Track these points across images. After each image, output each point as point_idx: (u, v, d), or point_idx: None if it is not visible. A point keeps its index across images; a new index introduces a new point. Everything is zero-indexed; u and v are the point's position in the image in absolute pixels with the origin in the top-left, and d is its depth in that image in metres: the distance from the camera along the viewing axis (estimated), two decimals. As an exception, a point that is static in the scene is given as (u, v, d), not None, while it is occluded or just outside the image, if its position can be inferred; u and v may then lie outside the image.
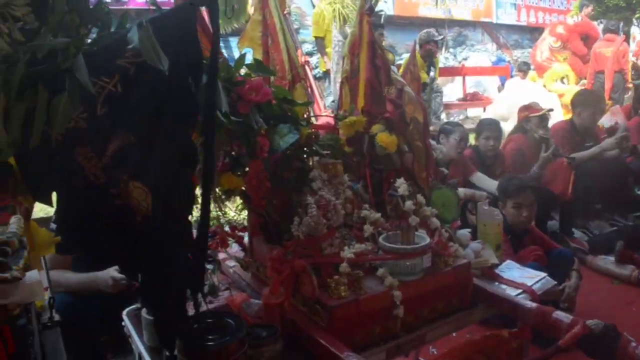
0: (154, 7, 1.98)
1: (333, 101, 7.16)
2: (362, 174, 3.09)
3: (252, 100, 2.42)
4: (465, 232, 3.11)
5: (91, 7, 1.96)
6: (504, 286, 2.93)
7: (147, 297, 1.98)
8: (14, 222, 1.05)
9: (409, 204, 2.64)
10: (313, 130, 2.86)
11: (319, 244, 2.50)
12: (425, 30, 7.77)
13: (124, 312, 2.68)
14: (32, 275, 0.96)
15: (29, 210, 1.85)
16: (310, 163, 2.89)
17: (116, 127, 1.84)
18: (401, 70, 4.13)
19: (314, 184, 2.68)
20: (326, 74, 8.30)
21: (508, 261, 3.28)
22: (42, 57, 1.69)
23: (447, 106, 9.77)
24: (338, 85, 6.93)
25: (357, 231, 2.72)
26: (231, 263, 3.08)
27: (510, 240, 4.25)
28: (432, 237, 2.64)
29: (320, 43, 7.98)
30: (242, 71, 2.53)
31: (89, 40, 1.98)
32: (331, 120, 3.69)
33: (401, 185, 2.71)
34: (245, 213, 3.56)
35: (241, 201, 2.75)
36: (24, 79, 1.60)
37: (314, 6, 9.98)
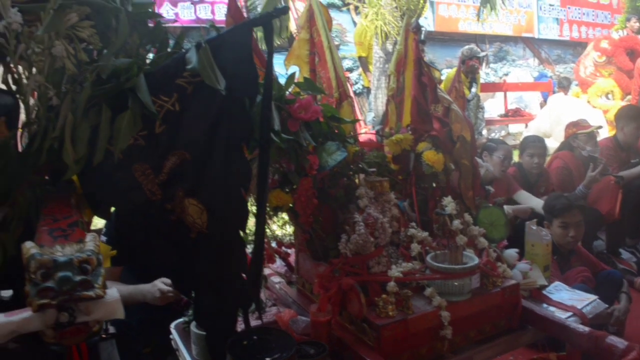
0: (210, 27, 2.03)
1: (374, 117, 7.16)
2: (408, 191, 3.07)
3: (301, 118, 2.45)
4: (512, 252, 3.06)
5: (150, 27, 2.02)
6: (552, 308, 2.86)
7: (200, 312, 2.01)
8: (91, 240, 1.08)
9: (456, 223, 2.61)
10: (359, 147, 2.87)
11: (367, 262, 2.50)
12: (467, 47, 7.73)
13: (172, 325, 2.72)
14: (112, 293, 1.00)
15: (88, 225, 1.91)
16: (357, 180, 2.89)
17: (173, 145, 1.89)
18: (442, 86, 4.12)
19: (361, 202, 2.67)
20: (367, 89, 8.33)
21: (556, 282, 3.21)
22: (106, 77, 1.74)
23: (489, 122, 9.66)
24: (379, 101, 6.97)
25: (404, 250, 2.71)
26: (276, 279, 3.10)
27: (557, 260, 4.15)
28: (480, 257, 2.61)
29: (363, 61, 8.03)
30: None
31: (148, 60, 2.04)
32: (373, 137, 3.69)
33: (449, 204, 2.69)
34: (286, 229, 3.58)
35: (286, 217, 2.77)
36: (89, 99, 1.66)
37: (354, 24, 10.05)
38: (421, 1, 6.58)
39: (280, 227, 2.98)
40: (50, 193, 1.86)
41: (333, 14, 9.42)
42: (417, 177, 3.08)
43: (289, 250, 3.07)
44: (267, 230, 2.91)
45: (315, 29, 3.28)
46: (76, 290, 0.94)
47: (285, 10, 2.03)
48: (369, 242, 2.45)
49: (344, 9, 9.97)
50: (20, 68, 1.78)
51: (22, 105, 1.90)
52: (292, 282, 3.07)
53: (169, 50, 2.12)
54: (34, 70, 1.80)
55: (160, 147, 1.87)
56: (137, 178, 1.89)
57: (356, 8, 9.67)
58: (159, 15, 2.05)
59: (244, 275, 1.99)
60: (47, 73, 1.75)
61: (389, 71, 3.27)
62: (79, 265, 1.00)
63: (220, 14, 8.77)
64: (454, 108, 3.11)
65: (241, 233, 2.00)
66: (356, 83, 9.65)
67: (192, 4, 8.53)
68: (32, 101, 1.80)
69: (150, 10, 2.04)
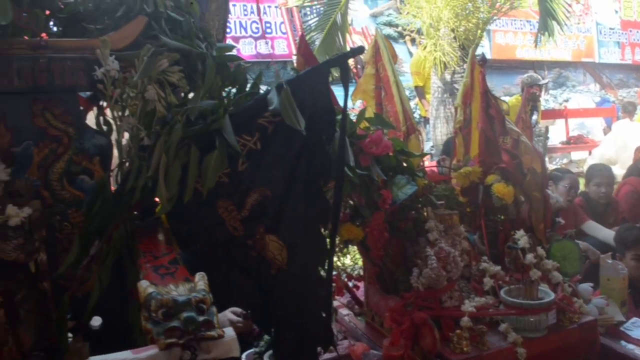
0: (292, 70, 2.10)
1: (432, 147, 7.14)
2: (477, 224, 3.05)
3: (373, 153, 2.48)
4: (587, 287, 2.98)
5: (231, 70, 2.11)
6: (632, 346, 2.76)
7: (281, 349, 2.04)
8: (201, 279, 1.14)
9: (529, 257, 2.58)
10: (428, 180, 2.88)
11: (439, 296, 2.49)
12: (527, 74, 7.66)
13: (243, 356, 2.76)
14: (229, 332, 1.05)
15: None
16: (425, 213, 2.89)
17: (255, 182, 1.96)
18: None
19: (431, 235, 2.67)
20: (424, 119, 8.34)
21: (634, 319, 3.09)
22: (194, 119, 1.83)
23: (550, 150, 9.47)
24: (437, 131, 6.95)
25: (475, 284, 2.68)
26: (344, 311, 3.11)
27: (631, 294, 4.00)
28: (555, 292, 2.55)
29: (420, 91, 8.06)
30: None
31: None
32: (434, 168, 3.69)
33: (521, 237, 2.66)
34: (348, 261, 3.59)
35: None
36: (180, 140, 1.75)
37: (410, 54, 10.11)
38: (479, 31, 6.58)
39: (351, 260, 3.01)
40: (140, 228, 1.96)
41: (389, 44, 9.55)
42: (487, 210, 3.06)
43: (358, 283, 3.08)
44: (337, 263, 2.93)
45: (381, 63, 3.33)
46: (200, 330, 1.00)
47: (362, 49, 2.09)
48: (441, 276, 2.44)
49: (401, 40, 10.05)
50: (112, 111, 1.89)
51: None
52: (360, 315, 3.07)
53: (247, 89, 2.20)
54: (126, 112, 1.91)
55: (243, 184, 1.94)
56: (221, 214, 1.96)
57: (412, 39, 9.74)
58: (240, 59, 2.15)
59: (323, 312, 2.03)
60: (139, 115, 1.85)
61: (455, 103, 3.28)
62: (196, 305, 1.06)
63: (279, 49, 9.03)
64: (523, 140, 3.09)
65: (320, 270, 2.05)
66: (413, 112, 9.67)
67: (253, 39, 8.80)
68: (124, 142, 1.91)
69: (231, 53, 2.14)
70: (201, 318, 1.01)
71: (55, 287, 1.84)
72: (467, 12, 6.23)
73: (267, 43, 8.87)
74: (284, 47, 8.85)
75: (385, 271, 2.80)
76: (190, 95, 2.06)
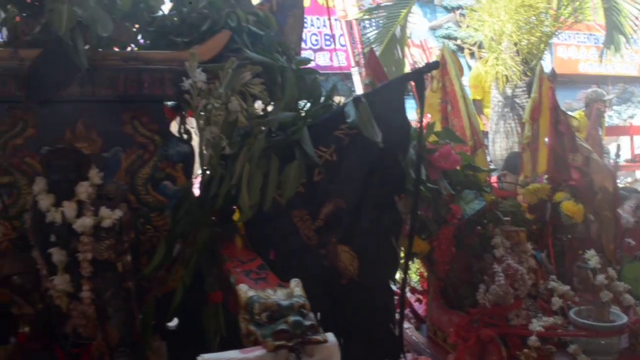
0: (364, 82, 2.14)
1: (490, 162, 7.03)
2: (545, 242, 3.00)
3: (441, 167, 2.49)
4: (659, 311, 2.88)
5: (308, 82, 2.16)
6: None
7: (348, 357, 2.06)
8: (297, 285, 1.19)
9: (600, 278, 2.52)
10: (495, 196, 2.86)
11: (506, 313, 2.46)
12: (592, 89, 7.46)
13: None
14: (331, 337, 1.08)
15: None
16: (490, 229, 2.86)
17: (330, 193, 2.00)
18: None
19: (497, 251, 2.65)
20: (482, 133, 8.22)
21: None
22: (274, 130, 1.90)
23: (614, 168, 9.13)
24: (497, 145, 6.84)
25: (543, 303, 2.64)
26: (405, 324, 3.10)
27: None
28: (627, 315, 2.48)
29: (478, 104, 7.96)
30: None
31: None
32: (494, 183, 3.63)
33: (592, 258, 2.60)
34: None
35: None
36: (262, 150, 1.81)
37: (469, 67, 10.01)
38: (542, 45, 6.47)
39: (415, 274, 3.01)
40: (219, 234, 2.02)
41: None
42: (554, 228, 3.01)
43: (421, 297, 3.08)
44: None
45: (448, 77, 3.33)
46: (307, 334, 1.04)
47: (437, 65, 2.11)
48: (509, 293, 2.42)
49: (460, 53, 9.96)
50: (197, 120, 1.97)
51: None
52: (419, 328, 3.06)
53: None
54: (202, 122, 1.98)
55: (318, 194, 1.98)
56: (296, 223, 2.01)
57: (472, 53, 9.65)
58: (317, 72, 2.20)
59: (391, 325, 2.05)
60: (222, 125, 1.92)
61: (523, 119, 3.24)
62: (297, 310, 1.11)
63: (337, 61, 9.12)
64: (595, 157, 3.02)
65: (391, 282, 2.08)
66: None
67: (312, 51, 8.92)
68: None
69: (308, 67, 2.19)
70: (307, 322, 1.05)
71: (137, 287, 1.92)
72: (531, 25, 6.13)
73: (325, 55, 8.98)
74: (342, 59, 8.93)
75: (450, 286, 2.79)
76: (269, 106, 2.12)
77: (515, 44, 6.14)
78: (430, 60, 8.88)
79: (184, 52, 2.02)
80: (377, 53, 7.14)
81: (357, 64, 7.46)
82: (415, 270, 3.14)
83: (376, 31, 7.37)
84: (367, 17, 7.52)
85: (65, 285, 1.71)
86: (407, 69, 7.35)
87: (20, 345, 1.77)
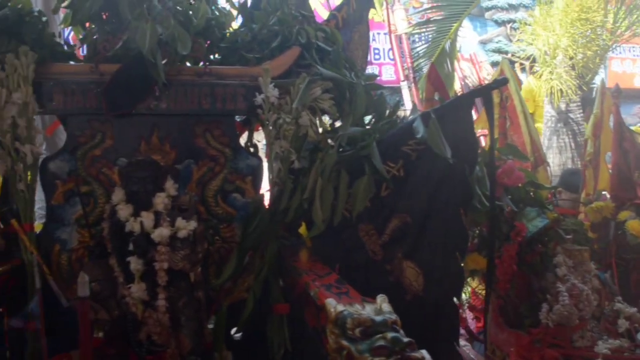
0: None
1: (543, 177, 6.88)
2: (608, 262, 2.92)
3: (504, 183, 2.46)
4: None
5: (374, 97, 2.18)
6: None
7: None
8: (384, 301, 1.20)
9: (670, 301, 2.44)
10: (558, 214, 2.80)
11: (570, 334, 2.40)
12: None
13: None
14: (427, 355, 1.09)
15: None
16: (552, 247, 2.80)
17: (396, 208, 2.00)
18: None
19: (559, 270, 2.59)
20: (533, 148, 8.07)
21: None
22: (344, 145, 1.92)
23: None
24: (549, 161, 6.70)
25: (608, 325, 2.57)
26: (461, 342, 3.06)
27: None
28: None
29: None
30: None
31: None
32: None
33: (661, 280, 2.52)
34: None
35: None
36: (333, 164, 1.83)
37: (520, 82, 9.84)
38: (597, 59, 6.33)
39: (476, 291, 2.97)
40: (286, 247, 2.05)
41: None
42: (618, 247, 2.93)
43: (479, 315, 3.04)
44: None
45: (507, 93, 3.30)
46: (405, 351, 1.04)
47: (505, 81, 2.10)
48: (573, 313, 2.36)
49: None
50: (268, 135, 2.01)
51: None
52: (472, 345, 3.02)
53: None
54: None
55: (385, 209, 1.99)
56: (362, 237, 2.02)
57: (523, 67, 9.50)
58: (383, 87, 2.22)
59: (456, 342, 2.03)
60: (292, 140, 1.96)
61: (585, 135, 3.18)
62: (391, 326, 1.11)
63: (387, 74, 9.09)
64: (661, 176, 2.94)
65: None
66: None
67: (360, 65, 8.94)
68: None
69: (374, 82, 2.21)
70: (405, 339, 1.05)
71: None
72: (587, 39, 6.00)
73: (374, 69, 8.98)
74: (391, 73, 8.90)
75: (509, 304, 2.74)
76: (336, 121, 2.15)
77: (571, 58, 6.02)
78: (480, 75, 8.80)
79: (256, 67, 2.07)
80: (426, 68, 7.12)
81: (406, 78, 7.43)
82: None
83: (426, 45, 7.35)
84: (416, 31, 7.51)
85: (141, 293, 1.76)
86: (457, 83, 7.30)
87: (94, 350, 1.82)
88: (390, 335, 1.06)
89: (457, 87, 7.38)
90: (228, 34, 2.29)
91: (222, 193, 2.13)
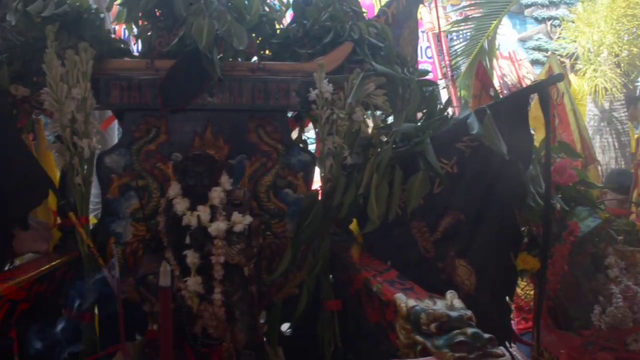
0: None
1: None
2: (662, 265, 2.84)
3: (556, 182, 2.41)
4: None
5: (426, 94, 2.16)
6: None
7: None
8: (454, 297, 1.18)
9: None
10: (609, 214, 2.74)
11: (624, 337, 2.34)
12: None
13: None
14: (505, 351, 1.07)
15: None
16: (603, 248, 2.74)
17: (449, 205, 1.97)
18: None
19: (611, 272, 2.52)
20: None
21: None
22: (398, 141, 1.90)
23: None
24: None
25: (663, 329, 2.49)
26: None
27: None
28: None
29: (569, 118, 7.69)
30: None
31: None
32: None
33: None
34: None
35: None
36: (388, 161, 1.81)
37: (557, 80, 9.62)
38: (643, 56, 6.17)
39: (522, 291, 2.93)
40: (337, 243, 2.05)
41: (537, 69, 9.18)
42: (673, 250, 2.85)
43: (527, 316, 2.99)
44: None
45: (555, 89, 3.23)
46: (487, 347, 1.03)
47: (561, 77, 2.05)
48: (627, 316, 2.30)
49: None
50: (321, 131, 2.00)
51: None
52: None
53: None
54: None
55: (437, 206, 1.96)
56: (414, 235, 2.00)
57: (564, 65, 9.32)
58: (435, 84, 2.19)
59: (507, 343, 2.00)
60: (345, 135, 1.95)
61: (637, 134, 3.10)
62: (466, 322, 1.10)
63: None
64: None
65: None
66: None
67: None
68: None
69: (426, 78, 2.19)
70: (486, 335, 1.03)
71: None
72: (633, 36, 5.86)
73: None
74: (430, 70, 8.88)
75: (558, 305, 2.68)
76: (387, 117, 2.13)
77: (616, 56, 5.89)
78: (519, 73, 8.66)
79: (310, 63, 2.07)
80: (464, 66, 7.05)
81: (444, 76, 7.37)
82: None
83: (464, 43, 7.28)
84: (455, 29, 7.44)
85: (197, 286, 1.78)
86: (495, 81, 7.19)
87: (149, 342, 1.84)
88: (470, 330, 1.04)
89: (496, 85, 7.26)
90: (278, 31, 2.31)
91: (274, 188, 2.14)
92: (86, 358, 2.02)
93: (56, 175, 2.20)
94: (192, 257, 1.77)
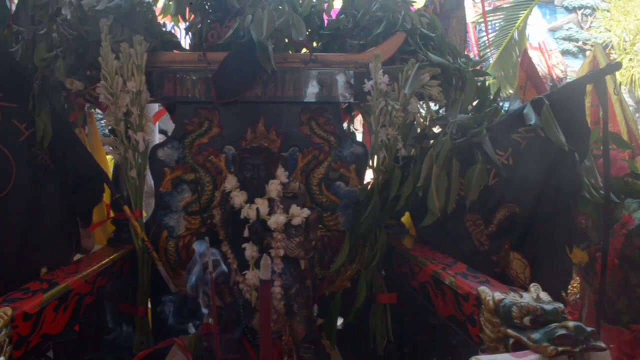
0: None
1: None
2: None
3: (606, 173, 2.36)
4: None
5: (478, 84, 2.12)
6: None
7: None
8: (538, 289, 1.16)
9: None
10: (658, 206, 2.68)
11: (676, 332, 2.29)
12: None
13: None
14: (602, 344, 1.04)
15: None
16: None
17: (504, 197, 1.94)
18: None
19: (660, 265, 2.47)
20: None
21: None
22: (454, 132, 1.87)
23: None
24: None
25: None
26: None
27: None
28: None
29: (599, 109, 7.55)
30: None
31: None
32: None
33: None
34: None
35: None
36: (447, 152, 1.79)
37: (590, 70, 9.48)
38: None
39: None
40: (390, 235, 2.03)
41: (567, 60, 9.06)
42: None
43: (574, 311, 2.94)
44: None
45: (612, 79, 3.17)
46: (589, 341, 1.00)
47: (619, 66, 2.00)
48: (678, 310, 2.26)
49: (580, 55, 9.48)
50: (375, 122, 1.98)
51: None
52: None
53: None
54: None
55: (492, 199, 1.93)
56: (468, 227, 1.97)
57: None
58: (487, 74, 2.15)
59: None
60: (398, 127, 1.93)
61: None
62: (561, 315, 1.07)
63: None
64: None
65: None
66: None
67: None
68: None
69: (477, 69, 2.16)
70: (589, 328, 1.01)
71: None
72: (672, 25, 5.75)
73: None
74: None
75: (606, 300, 2.64)
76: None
77: (656, 45, 5.79)
78: (549, 63, 8.54)
79: (364, 54, 2.05)
80: (494, 56, 6.96)
81: (474, 67, 7.30)
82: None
83: (493, 34, 7.19)
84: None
85: (255, 280, 1.77)
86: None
87: (204, 336, 1.84)
88: (572, 324, 1.01)
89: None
90: (327, 22, 2.29)
91: (326, 181, 2.13)
92: (140, 352, 2.04)
93: (109, 169, 2.21)
94: (251, 251, 1.76)
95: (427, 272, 1.64)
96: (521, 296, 1.16)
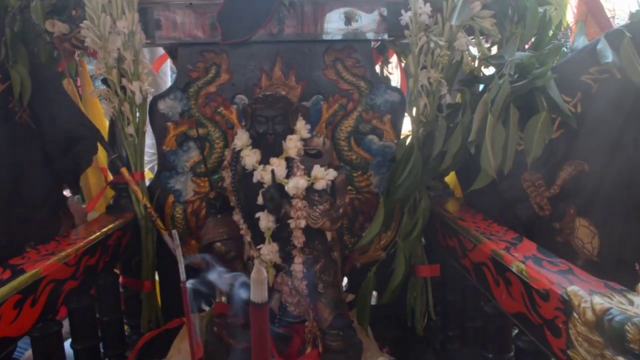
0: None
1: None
2: None
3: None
4: None
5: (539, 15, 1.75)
6: None
7: None
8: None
9: None
10: None
11: None
12: None
13: None
14: None
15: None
16: None
17: (570, 153, 1.61)
18: None
19: None
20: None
21: None
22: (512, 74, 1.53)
23: None
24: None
25: None
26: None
27: None
28: None
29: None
30: None
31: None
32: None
33: None
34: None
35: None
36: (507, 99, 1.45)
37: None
38: None
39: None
40: (432, 198, 1.73)
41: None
42: None
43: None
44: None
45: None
46: None
47: None
48: None
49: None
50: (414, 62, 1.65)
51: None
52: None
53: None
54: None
55: (555, 155, 1.61)
56: (526, 189, 1.66)
57: None
58: (551, 4, 1.78)
59: None
60: (445, 68, 1.59)
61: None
62: None
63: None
64: None
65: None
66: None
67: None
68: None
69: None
70: None
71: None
72: None
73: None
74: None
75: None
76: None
77: None
78: None
79: (402, -20, 1.69)
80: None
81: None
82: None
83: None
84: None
85: (273, 255, 1.50)
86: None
87: (218, 317, 1.59)
88: None
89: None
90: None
91: (356, 135, 1.81)
92: (149, 331, 1.82)
93: (105, 126, 1.93)
94: (266, 221, 1.48)
95: (484, 252, 1.33)
96: (631, 302, 0.84)
